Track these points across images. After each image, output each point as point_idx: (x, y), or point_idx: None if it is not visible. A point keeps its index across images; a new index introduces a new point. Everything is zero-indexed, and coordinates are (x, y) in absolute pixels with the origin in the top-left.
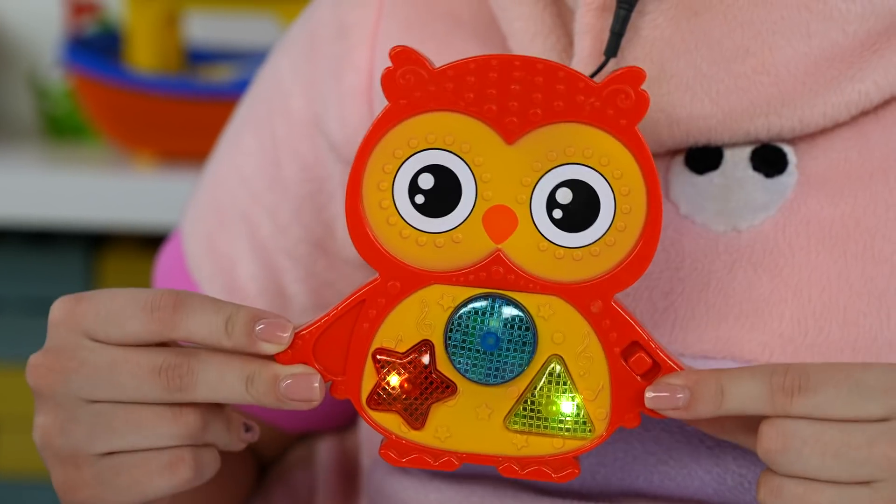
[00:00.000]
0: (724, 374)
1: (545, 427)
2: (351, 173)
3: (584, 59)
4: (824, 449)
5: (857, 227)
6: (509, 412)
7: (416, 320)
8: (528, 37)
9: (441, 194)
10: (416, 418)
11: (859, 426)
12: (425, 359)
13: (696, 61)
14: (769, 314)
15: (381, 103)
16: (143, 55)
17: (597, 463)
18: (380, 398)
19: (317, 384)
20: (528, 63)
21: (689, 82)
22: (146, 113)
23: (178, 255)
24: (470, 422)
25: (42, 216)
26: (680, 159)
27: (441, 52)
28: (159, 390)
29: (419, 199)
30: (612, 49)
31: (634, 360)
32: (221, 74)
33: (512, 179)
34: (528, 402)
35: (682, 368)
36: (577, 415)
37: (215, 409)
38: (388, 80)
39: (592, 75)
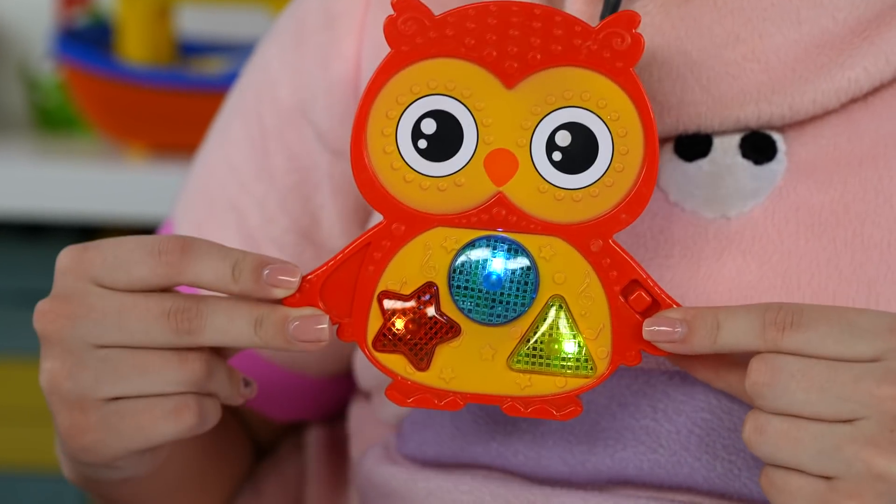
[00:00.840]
0: (721, 310)
1: (548, 366)
2: (355, 120)
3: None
4: (810, 383)
5: (847, 213)
6: (512, 352)
7: (420, 263)
8: None
9: (443, 139)
10: (421, 359)
11: (847, 364)
12: (429, 307)
13: (687, 48)
14: (758, 300)
15: None
16: (135, 47)
17: (586, 451)
18: (385, 340)
19: (325, 325)
20: (526, 8)
21: (679, 69)
22: (138, 105)
23: None
24: (474, 362)
25: (34, 208)
26: (669, 146)
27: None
28: (168, 333)
29: (422, 143)
30: None
31: (634, 298)
32: (213, 67)
33: (512, 123)
34: (531, 342)
35: (680, 306)
36: (579, 353)
37: (219, 359)
38: (390, 28)
39: None
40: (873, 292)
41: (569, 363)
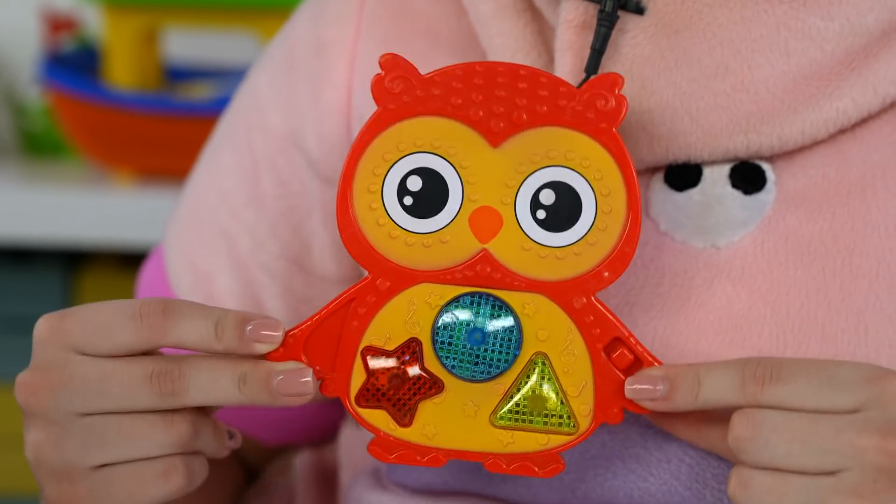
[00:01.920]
0: (701, 367)
1: (530, 423)
2: (342, 176)
3: (564, 75)
4: (792, 437)
5: (835, 243)
6: (495, 409)
7: (404, 319)
8: (508, 53)
9: (429, 196)
10: (404, 415)
11: (828, 416)
12: (412, 366)
13: (676, 79)
14: (748, 329)
15: (359, 120)
16: (122, 72)
17: (577, 479)
18: (368, 395)
19: (309, 378)
20: (512, 69)
21: (669, 100)
22: (125, 130)
23: (160, 269)
24: (457, 419)
25: (20, 234)
26: (659, 176)
27: (420, 69)
28: (152, 397)
29: (408, 200)
30: (593, 66)
31: (617, 356)
32: (200, 92)
33: (497, 181)
34: (514, 399)
35: (661, 364)
36: (562, 411)
37: (204, 416)
38: (378, 86)
39: None
40: (862, 321)
41: (551, 420)
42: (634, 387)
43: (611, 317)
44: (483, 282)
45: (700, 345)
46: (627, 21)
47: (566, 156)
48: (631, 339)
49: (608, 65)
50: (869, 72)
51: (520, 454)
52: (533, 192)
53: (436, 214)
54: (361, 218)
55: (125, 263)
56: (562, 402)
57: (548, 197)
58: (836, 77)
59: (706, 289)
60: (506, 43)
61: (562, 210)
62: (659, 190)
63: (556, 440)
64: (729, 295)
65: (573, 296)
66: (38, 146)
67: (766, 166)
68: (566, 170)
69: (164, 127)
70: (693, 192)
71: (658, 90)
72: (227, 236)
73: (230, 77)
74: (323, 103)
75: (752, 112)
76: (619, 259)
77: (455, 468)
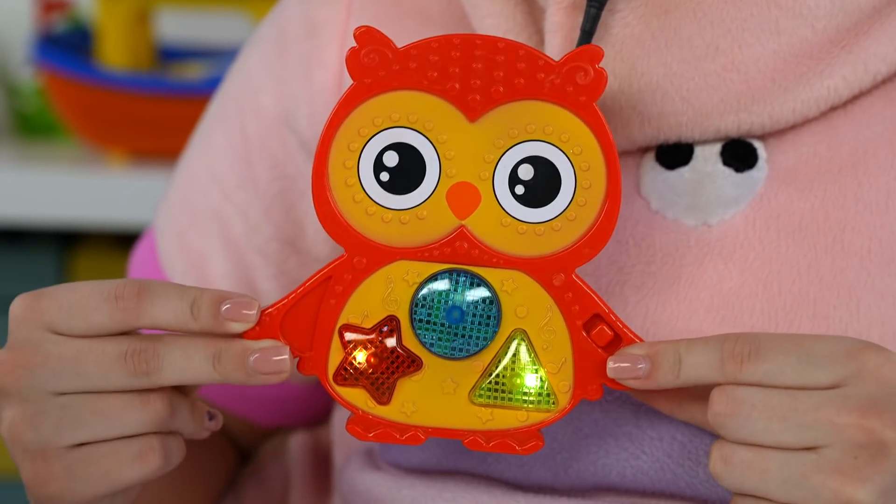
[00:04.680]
0: (682, 344)
1: (509, 400)
2: (317, 151)
3: (554, 56)
4: (772, 413)
5: (827, 220)
6: (474, 386)
7: (381, 296)
8: (499, 34)
9: (406, 171)
10: (383, 393)
11: (807, 392)
12: (390, 340)
13: (667, 59)
14: (739, 307)
15: None
16: (115, 53)
17: (569, 458)
18: (346, 374)
19: (285, 356)
20: (490, 42)
21: (660, 80)
22: (118, 111)
23: (152, 252)
24: (436, 396)
25: (14, 215)
26: (651, 155)
27: None
28: (126, 376)
29: (384, 176)
30: None
31: (596, 332)
32: (193, 72)
33: (475, 156)
34: (493, 376)
35: (642, 341)
36: (541, 388)
37: (181, 396)
38: (353, 60)
39: None
40: (853, 298)
41: (530, 397)
42: (616, 365)
43: (590, 293)
44: (461, 258)
45: (691, 323)
46: (617, 2)
47: (545, 130)
48: (611, 315)
49: (598, 45)
50: (860, 49)
51: (499, 431)
52: (511, 167)
53: (413, 190)
54: (337, 194)
55: (119, 243)
56: (541, 379)
57: (526, 172)
58: (826, 55)
59: (697, 267)
60: (496, 24)
61: (540, 185)
62: (650, 168)
63: (536, 417)
64: (720, 273)
65: (552, 272)
66: (31, 127)
67: (757, 144)
68: (545, 144)
69: (156, 107)
70: (684, 171)
71: (648, 71)
72: (219, 219)
73: (223, 57)
74: (315, 84)
75: (742, 92)
76: (599, 235)
77: (448, 447)
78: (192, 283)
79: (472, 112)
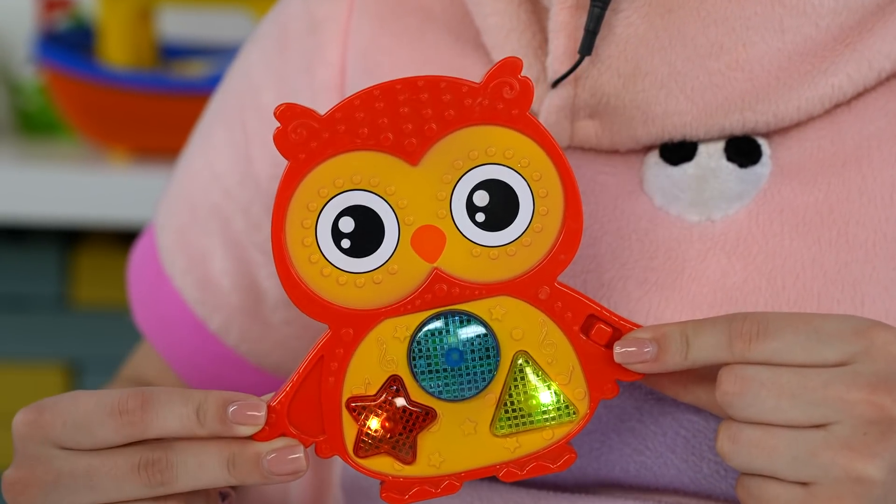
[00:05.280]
0: (688, 324)
1: (531, 423)
2: (272, 236)
3: (558, 56)
4: (780, 391)
5: (831, 214)
6: (493, 419)
7: (377, 360)
8: (502, 33)
9: (365, 233)
10: (406, 453)
11: (815, 370)
12: (399, 400)
13: (671, 58)
14: (743, 302)
15: None
16: (116, 51)
17: None
18: (365, 445)
19: (300, 454)
20: (410, 83)
21: (664, 79)
22: (119, 108)
23: (152, 250)
24: (458, 440)
25: (16, 213)
26: (654, 152)
27: (414, 47)
28: (142, 488)
29: (345, 243)
30: (587, 47)
31: (595, 332)
32: (195, 70)
33: (427, 198)
34: (508, 405)
35: (641, 327)
36: (558, 402)
37: (195, 494)
38: (282, 139)
39: (567, 74)
40: (858, 292)
41: (550, 414)
42: (623, 350)
43: (578, 296)
44: (444, 301)
45: (695, 318)
46: (621, 1)
47: (487, 152)
48: (605, 312)
49: (602, 45)
50: (864, 46)
51: (530, 456)
52: (466, 197)
53: (377, 248)
54: (304, 273)
55: (121, 241)
56: (555, 393)
57: (482, 198)
58: (830, 53)
59: (700, 262)
60: (500, 23)
61: (499, 207)
62: (653, 165)
63: (561, 431)
64: (724, 267)
65: (536, 288)
66: (33, 125)
67: (761, 140)
68: (492, 166)
69: (158, 105)
70: (688, 166)
71: (652, 70)
72: (220, 216)
73: (224, 55)
74: (317, 81)
75: (747, 90)
76: (570, 237)
77: None
78: (192, 280)
79: (412, 156)
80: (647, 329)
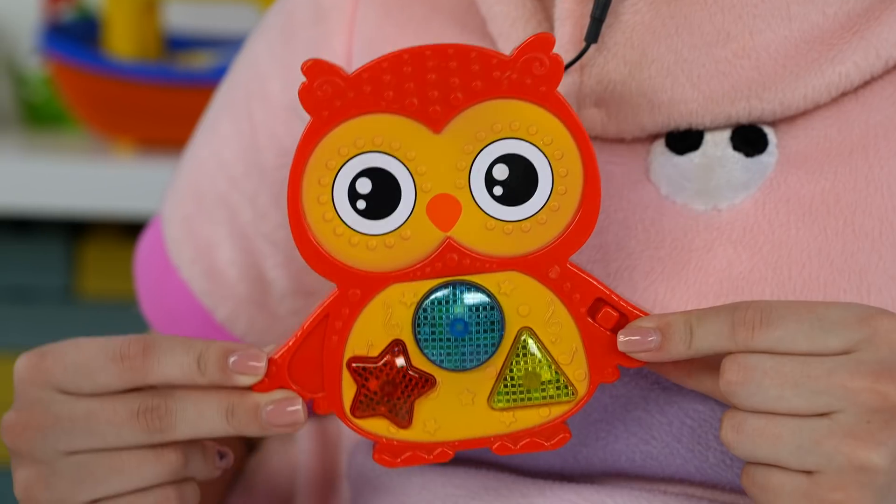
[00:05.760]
0: (692, 314)
1: (529, 399)
2: (288, 192)
3: (564, 44)
4: (783, 380)
5: (838, 203)
6: (491, 392)
7: (382, 322)
8: (508, 21)
9: (381, 195)
10: (402, 417)
11: (819, 359)
12: (399, 360)
13: (677, 46)
14: (749, 292)
15: None
16: (122, 42)
17: (578, 443)
18: (363, 405)
19: (299, 406)
20: (440, 51)
21: (670, 67)
22: (125, 100)
23: (159, 240)
24: (455, 410)
25: (21, 204)
26: (660, 141)
27: (419, 36)
28: (140, 434)
29: (361, 204)
30: (593, 34)
31: (601, 316)
32: (200, 61)
33: (447, 166)
34: (508, 379)
35: (648, 315)
36: (557, 380)
37: (193, 442)
38: (307, 95)
39: (573, 62)
40: (864, 282)
41: (549, 392)
42: (627, 339)
43: (589, 278)
44: (453, 270)
45: (700, 307)
46: None
47: (511, 126)
48: (613, 296)
49: (608, 33)
50: (871, 35)
51: (525, 431)
52: (485, 169)
53: (392, 212)
54: (317, 231)
55: (127, 233)
56: (556, 372)
57: (501, 172)
58: (838, 41)
59: (707, 251)
60: (505, 11)
61: (518, 182)
62: (660, 154)
63: (558, 410)
64: (730, 257)
65: (547, 266)
66: (39, 116)
67: (767, 129)
68: (515, 141)
69: (164, 96)
70: (694, 155)
71: (659, 57)
72: (227, 206)
73: (230, 46)
74: None
75: (753, 78)
76: (586, 219)
77: None
78: (199, 270)
79: (436, 123)
80: (651, 318)
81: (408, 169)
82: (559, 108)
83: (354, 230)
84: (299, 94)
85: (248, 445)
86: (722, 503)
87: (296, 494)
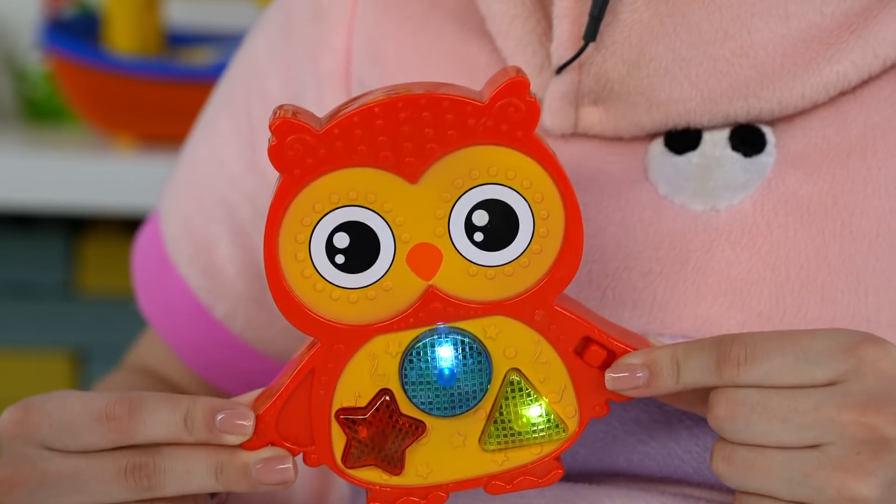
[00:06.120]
0: (678, 348)
1: (520, 439)
2: (265, 250)
3: (562, 43)
4: (771, 415)
5: (835, 204)
6: (482, 434)
7: (369, 373)
8: (507, 19)
9: (359, 249)
10: (394, 465)
11: (805, 391)
12: (388, 414)
13: (675, 45)
14: (747, 292)
15: (359, 86)
16: (123, 38)
17: (577, 444)
18: (354, 455)
19: (289, 464)
20: (412, 101)
21: (668, 66)
22: (126, 96)
23: (156, 237)
24: (447, 453)
25: (22, 200)
26: (659, 141)
27: (418, 33)
28: (128, 491)
29: (339, 258)
30: (591, 33)
31: (589, 353)
32: (201, 57)
33: (425, 216)
34: (498, 421)
35: (636, 350)
36: (548, 419)
37: (182, 498)
38: (277, 154)
39: (572, 60)
40: (861, 283)
41: (539, 431)
42: (615, 376)
43: (575, 318)
44: (437, 319)
45: (699, 308)
46: None
47: (489, 172)
48: (602, 334)
49: (606, 31)
50: (869, 34)
51: (517, 469)
52: (465, 215)
53: (372, 265)
54: (297, 288)
55: (127, 229)
56: (546, 411)
57: (481, 217)
58: (836, 40)
59: (705, 252)
60: (504, 9)
61: (498, 227)
62: (658, 153)
63: (549, 447)
64: (728, 258)
65: (532, 309)
66: (39, 112)
67: (766, 129)
68: (493, 186)
69: (164, 92)
70: (692, 155)
71: (657, 56)
72: (226, 204)
73: (231, 42)
74: (322, 68)
75: (751, 77)
76: (569, 259)
77: None
78: (198, 267)
79: (412, 174)
80: (637, 354)
81: (385, 220)
82: (537, 152)
83: (335, 285)
84: (269, 153)
85: None
86: (719, 503)
87: (292, 489)
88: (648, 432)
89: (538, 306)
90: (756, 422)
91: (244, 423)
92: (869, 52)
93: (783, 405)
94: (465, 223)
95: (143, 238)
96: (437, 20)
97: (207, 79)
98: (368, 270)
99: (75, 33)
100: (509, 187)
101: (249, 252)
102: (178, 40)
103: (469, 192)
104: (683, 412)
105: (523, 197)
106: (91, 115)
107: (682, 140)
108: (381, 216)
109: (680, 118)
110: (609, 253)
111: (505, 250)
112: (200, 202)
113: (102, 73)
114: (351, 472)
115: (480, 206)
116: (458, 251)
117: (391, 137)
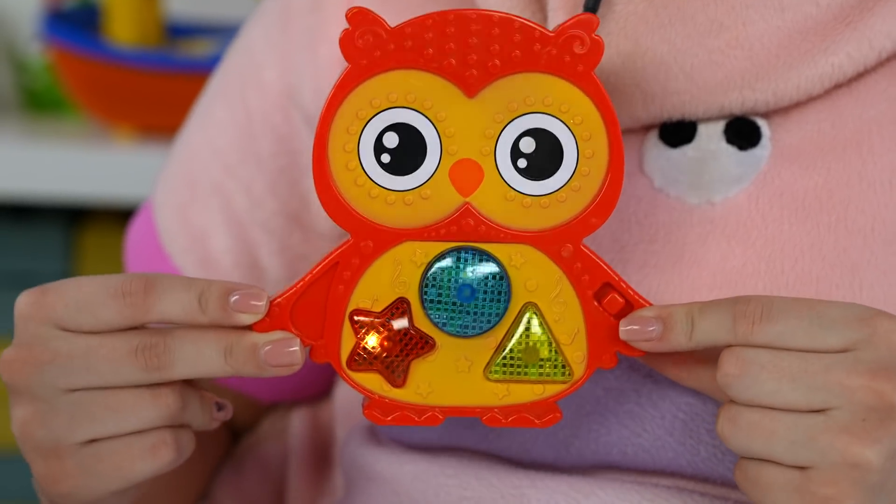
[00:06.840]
0: (694, 306)
1: (525, 374)
2: (316, 136)
3: None
4: (781, 374)
5: (831, 198)
6: (489, 363)
7: (390, 279)
8: (502, 10)
9: (406, 152)
10: (398, 376)
11: (817, 355)
12: (397, 322)
13: (670, 36)
14: (742, 286)
15: None
16: (123, 29)
17: (571, 436)
18: (360, 359)
19: (296, 348)
20: (485, 16)
21: (663, 57)
22: (126, 87)
23: (150, 227)
24: (450, 375)
25: (21, 190)
26: (654, 133)
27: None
28: (137, 372)
29: (385, 157)
30: None
31: (607, 301)
32: (201, 48)
33: (475, 132)
34: (507, 351)
35: (653, 305)
36: (555, 360)
37: (191, 388)
38: (347, 42)
39: None
40: (857, 277)
41: (545, 370)
42: (628, 328)
43: (600, 262)
44: (467, 236)
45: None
46: None
47: (544, 101)
48: (622, 283)
49: (602, 23)
50: (864, 26)
51: (516, 406)
52: (513, 140)
53: (415, 170)
54: (339, 179)
55: (126, 219)
56: (555, 351)
57: (528, 145)
58: (831, 32)
59: (700, 245)
60: (499, 1)
61: (543, 157)
62: (653, 146)
63: (552, 389)
64: (723, 251)
65: (560, 244)
66: (40, 103)
67: (761, 122)
68: (545, 116)
69: (164, 83)
70: (688, 149)
71: (652, 47)
72: (222, 194)
73: (230, 33)
74: (320, 58)
75: (746, 68)
76: (605, 203)
77: (451, 423)
78: (193, 259)
79: (471, 88)
80: (653, 308)
81: (436, 129)
82: (594, 90)
83: (375, 183)
84: (340, 41)
85: (234, 433)
86: (713, 496)
87: (287, 479)
88: (642, 425)
89: (567, 242)
90: (765, 380)
91: (257, 302)
92: (864, 44)
93: (794, 365)
94: (512, 148)
95: (135, 228)
96: (433, 10)
97: (207, 70)
98: (410, 175)
99: (75, 24)
100: (560, 120)
101: (245, 242)
102: (178, 32)
103: (521, 117)
104: (678, 406)
105: (572, 132)
106: (91, 106)
107: (677, 133)
108: (433, 124)
109: (675, 110)
110: (604, 245)
111: (545, 181)
112: (195, 192)
113: (102, 64)
114: (353, 374)
115: (529, 133)
116: (499, 173)
117: (459, 46)
